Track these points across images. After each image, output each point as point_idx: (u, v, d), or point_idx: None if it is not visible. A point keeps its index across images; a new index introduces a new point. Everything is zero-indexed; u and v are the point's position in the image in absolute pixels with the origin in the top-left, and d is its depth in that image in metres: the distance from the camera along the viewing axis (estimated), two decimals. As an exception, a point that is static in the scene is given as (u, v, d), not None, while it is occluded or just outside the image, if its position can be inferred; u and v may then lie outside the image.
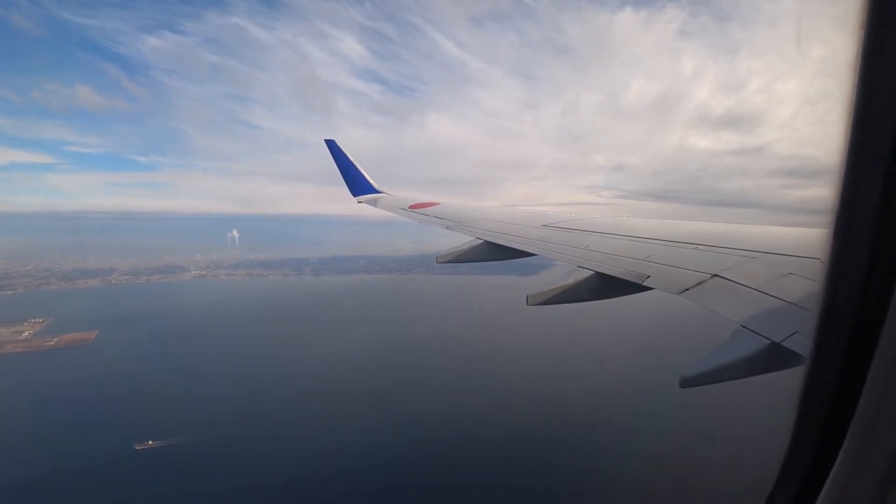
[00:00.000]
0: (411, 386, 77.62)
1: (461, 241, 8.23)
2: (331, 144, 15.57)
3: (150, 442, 58.00)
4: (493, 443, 60.00)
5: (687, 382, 3.16)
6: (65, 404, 69.17)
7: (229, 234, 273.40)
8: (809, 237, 4.62)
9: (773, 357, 2.87)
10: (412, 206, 12.03)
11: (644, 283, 4.59)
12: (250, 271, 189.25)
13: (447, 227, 9.39)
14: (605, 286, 5.05)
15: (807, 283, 3.46)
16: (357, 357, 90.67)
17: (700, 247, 5.07)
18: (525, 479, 53.15)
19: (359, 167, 15.46)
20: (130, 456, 55.74)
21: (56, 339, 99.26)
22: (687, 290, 4.03)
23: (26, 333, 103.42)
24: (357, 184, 15.35)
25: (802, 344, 2.66)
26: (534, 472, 54.34)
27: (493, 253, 7.63)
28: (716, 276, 4.11)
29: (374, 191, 15.26)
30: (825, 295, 1.51)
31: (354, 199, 15.14)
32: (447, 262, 7.91)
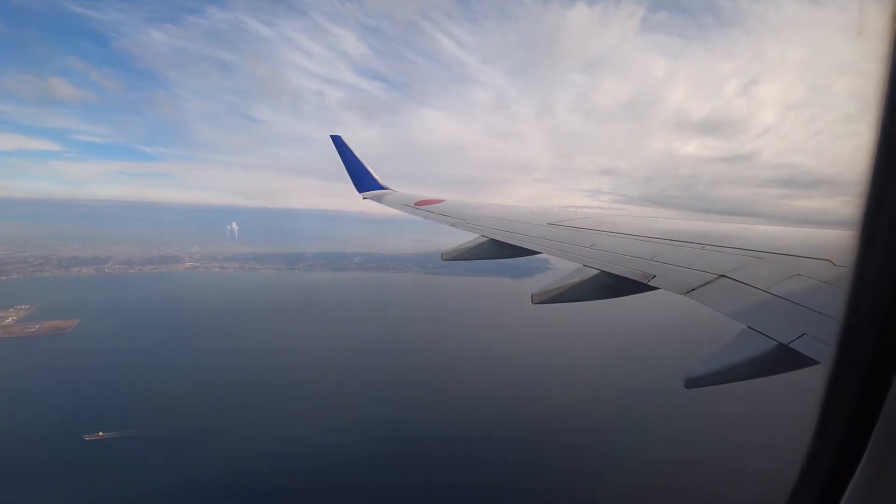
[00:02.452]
0: (385, 384, 76.72)
1: (465, 238, 8.22)
2: (337, 141, 15.59)
3: (101, 433, 57.81)
4: (485, 444, 59.41)
5: (692, 383, 3.16)
6: (28, 391, 69.49)
7: (228, 227, 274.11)
8: (817, 238, 4.58)
9: (780, 359, 2.87)
10: (417, 203, 11.92)
11: (650, 283, 4.56)
12: (244, 264, 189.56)
13: (452, 225, 9.35)
14: (611, 285, 5.03)
15: (815, 285, 3.42)
16: (330, 355, 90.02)
17: (706, 247, 5.00)
18: (524, 480, 52.53)
19: (364, 163, 15.48)
20: (79, 446, 55.60)
21: (37, 327, 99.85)
22: (693, 290, 4.01)
23: (10, 320, 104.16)
24: (363, 180, 15.38)
25: (810, 346, 2.69)
26: (532, 473, 53.76)
27: (498, 251, 7.59)
28: (722, 276, 4.08)
29: (379, 187, 15.24)
30: (851, 298, 1.49)
31: (360, 196, 15.16)
32: (452, 259, 7.93)
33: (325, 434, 60.86)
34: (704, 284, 4.05)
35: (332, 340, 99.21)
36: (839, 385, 1.61)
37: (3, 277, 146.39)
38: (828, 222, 5.02)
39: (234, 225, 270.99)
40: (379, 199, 14.20)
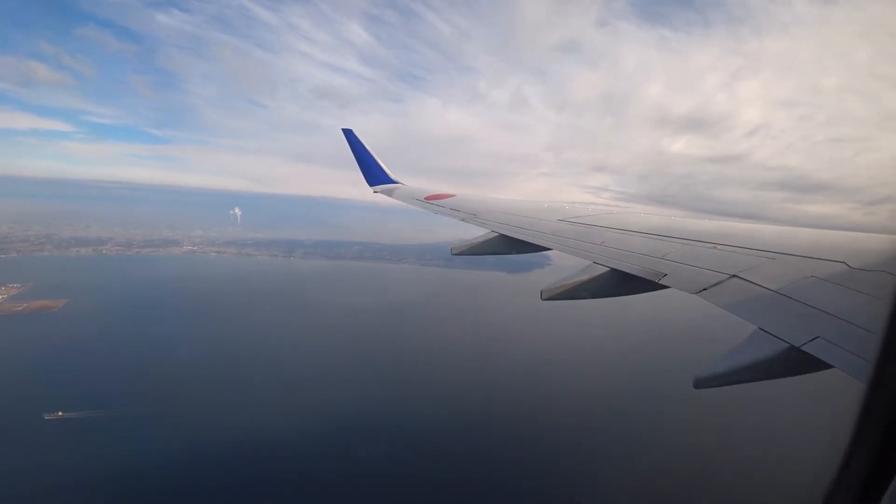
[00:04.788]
0: (363, 377, 75.81)
1: (475, 232, 8.27)
2: (348, 134, 15.61)
3: (61, 413, 58.36)
4: (482, 441, 58.70)
5: (701, 383, 3.17)
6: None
7: (231, 212, 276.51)
8: (831, 240, 4.51)
9: (792, 361, 2.86)
10: (428, 198, 11.99)
11: (660, 282, 4.51)
12: (241, 250, 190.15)
13: (462, 220, 9.41)
14: (621, 283, 5.03)
15: (829, 287, 3.39)
16: (314, 345, 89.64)
17: (718, 246, 4.98)
18: (521, 480, 51.92)
19: (375, 157, 15.58)
20: (38, 424, 56.22)
21: (25, 305, 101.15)
22: (704, 289, 3.99)
23: (0, 297, 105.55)
24: (373, 173, 15.49)
25: (824, 349, 2.68)
26: (530, 472, 53.11)
27: (508, 246, 7.65)
28: (734, 276, 4.05)
29: (390, 181, 15.36)
30: None
31: (370, 188, 15.36)
32: (461, 253, 8.00)
33: (294, 424, 60.32)
34: (716, 284, 4.00)
35: (315, 331, 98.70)
36: (879, 389, 1.57)
37: (3, 255, 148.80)
38: (836, 228, 4.88)
39: (236, 210, 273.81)
40: (389, 193, 14.23)
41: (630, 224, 6.80)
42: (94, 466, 49.60)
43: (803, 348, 2.73)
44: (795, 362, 2.81)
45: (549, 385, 76.83)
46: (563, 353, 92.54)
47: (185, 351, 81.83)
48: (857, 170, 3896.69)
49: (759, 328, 3.13)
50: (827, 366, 2.59)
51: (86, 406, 60.23)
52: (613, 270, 5.03)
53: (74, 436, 54.56)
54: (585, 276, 5.11)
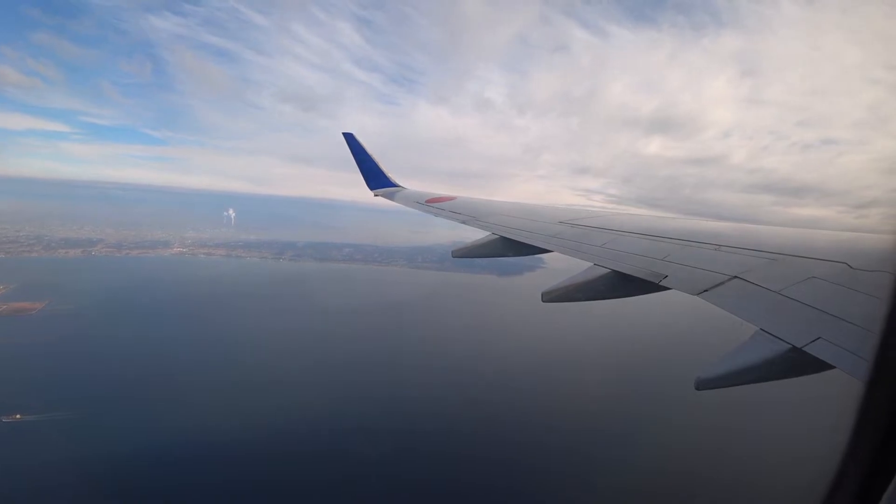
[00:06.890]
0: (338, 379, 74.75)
1: (470, 234, 8.35)
2: (349, 138, 15.56)
3: (18, 416, 57.95)
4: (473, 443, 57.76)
5: (703, 384, 3.20)
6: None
7: (225, 213, 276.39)
8: (832, 241, 4.50)
9: (794, 362, 2.89)
10: (429, 201, 12.12)
11: (661, 283, 4.55)
12: (231, 251, 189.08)
13: (463, 222, 9.49)
14: (622, 285, 5.04)
15: (831, 288, 3.39)
16: (285, 346, 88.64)
17: (720, 247, 4.96)
18: (516, 480, 51.35)
19: (376, 161, 15.52)
20: None
21: (4, 307, 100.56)
22: (705, 291, 4.00)
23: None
24: (374, 177, 15.45)
25: (825, 350, 2.70)
26: (527, 476, 52.41)
27: (509, 248, 7.67)
28: (736, 277, 4.07)
29: (391, 184, 15.33)
30: (893, 301, 1.52)
31: (371, 191, 15.31)
32: (462, 256, 8.05)
33: (281, 424, 59.71)
34: (717, 285, 4.00)
35: (298, 332, 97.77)
36: (878, 388, 1.57)
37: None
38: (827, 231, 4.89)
39: (230, 211, 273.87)
40: (390, 197, 14.20)
41: (630, 226, 6.77)
42: (49, 470, 48.70)
43: (805, 349, 2.75)
44: (797, 363, 2.83)
45: (548, 387, 76.17)
46: (562, 354, 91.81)
47: (158, 353, 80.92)
48: (841, 172, 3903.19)
49: (761, 329, 3.13)
50: (829, 366, 2.60)
51: (46, 409, 59.42)
52: (614, 272, 5.04)
53: (30, 439, 53.84)
54: (586, 278, 5.14)
